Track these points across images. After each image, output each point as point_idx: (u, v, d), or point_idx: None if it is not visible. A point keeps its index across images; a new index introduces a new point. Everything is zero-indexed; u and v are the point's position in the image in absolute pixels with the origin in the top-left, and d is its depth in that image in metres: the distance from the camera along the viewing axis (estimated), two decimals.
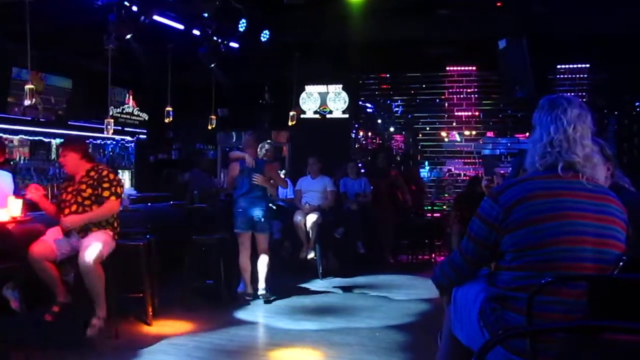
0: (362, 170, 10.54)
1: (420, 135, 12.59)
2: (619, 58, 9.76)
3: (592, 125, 2.55)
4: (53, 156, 10.74)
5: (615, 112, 10.97)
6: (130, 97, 12.55)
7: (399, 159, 12.35)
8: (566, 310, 2.37)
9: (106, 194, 5.43)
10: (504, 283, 2.48)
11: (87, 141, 11.22)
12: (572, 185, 2.44)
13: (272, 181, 7.19)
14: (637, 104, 11.18)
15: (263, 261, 7.01)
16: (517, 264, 2.42)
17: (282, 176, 7.83)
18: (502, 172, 10.58)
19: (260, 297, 6.93)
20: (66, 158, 5.44)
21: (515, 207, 2.41)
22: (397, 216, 9.90)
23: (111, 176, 5.53)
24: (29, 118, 10.15)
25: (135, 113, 12.70)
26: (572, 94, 9.85)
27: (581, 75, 11.26)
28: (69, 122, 10.85)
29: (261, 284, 7.00)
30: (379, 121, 13.15)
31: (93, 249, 5.09)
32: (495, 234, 2.47)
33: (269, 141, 7.76)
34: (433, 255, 10.09)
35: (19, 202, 5.39)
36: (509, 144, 11.87)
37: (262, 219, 6.96)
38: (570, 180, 2.44)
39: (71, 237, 5.33)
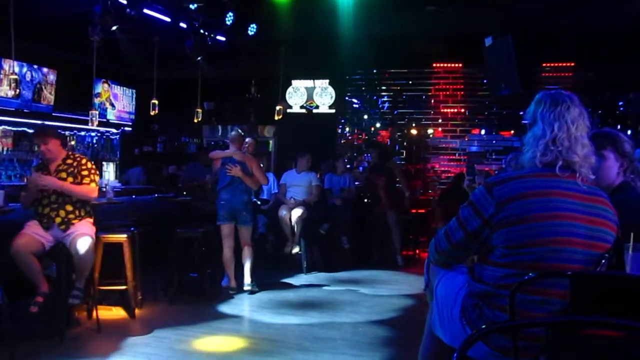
0: (348, 166, 10.51)
1: (416, 131, 12.58)
2: (603, 57, 9.82)
3: (590, 123, 2.54)
4: (36, 147, 10.64)
5: (599, 111, 11.06)
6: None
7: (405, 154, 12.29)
8: (551, 310, 2.38)
9: (86, 180, 5.50)
10: (491, 279, 2.48)
11: (72, 133, 11.23)
12: (566, 186, 2.43)
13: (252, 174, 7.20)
14: (620, 102, 11.27)
15: (247, 255, 7.03)
16: (507, 261, 2.42)
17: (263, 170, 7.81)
18: (486, 169, 10.64)
19: (246, 290, 6.95)
20: (49, 145, 5.41)
21: (509, 203, 2.40)
22: (400, 213, 9.59)
23: (89, 164, 5.60)
24: (13, 109, 10.07)
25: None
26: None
27: (566, 74, 11.33)
28: (54, 114, 10.77)
29: (247, 279, 7.01)
30: (365, 117, 13.16)
31: (85, 240, 5.21)
32: (486, 229, 2.45)
33: (253, 136, 7.74)
34: (417, 251, 10.12)
35: (1, 193, 5.36)
36: (494, 141, 11.92)
37: (244, 212, 6.99)
38: (566, 180, 2.43)
39: (53, 229, 5.32)
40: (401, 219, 9.56)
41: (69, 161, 5.52)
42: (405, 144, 12.59)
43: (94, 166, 5.67)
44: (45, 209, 5.35)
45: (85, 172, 5.50)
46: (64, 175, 5.42)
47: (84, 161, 5.57)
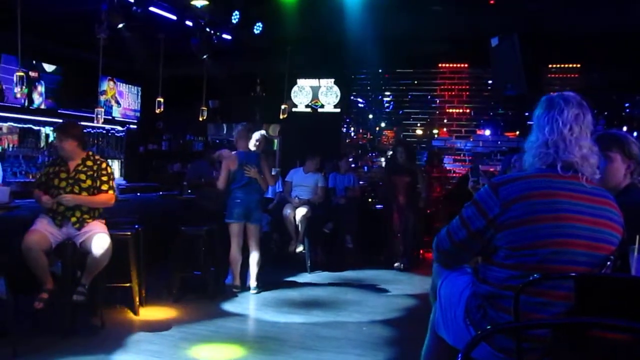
0: (352, 165, 10.49)
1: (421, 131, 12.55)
2: (610, 58, 9.80)
3: (592, 124, 2.52)
4: (42, 144, 10.70)
5: (605, 113, 11.03)
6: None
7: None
8: (555, 312, 2.38)
9: (105, 187, 5.49)
10: (496, 280, 2.47)
11: None
12: (571, 186, 2.42)
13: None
14: (626, 104, 11.24)
15: (254, 257, 7.02)
16: (511, 262, 2.41)
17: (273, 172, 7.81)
18: (491, 169, 10.61)
19: (250, 291, 6.95)
20: (63, 144, 5.40)
21: (513, 204, 2.39)
22: (418, 219, 9.23)
23: (109, 169, 5.60)
24: (19, 105, 10.09)
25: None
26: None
27: (572, 75, 11.30)
28: (59, 111, 10.80)
29: (252, 282, 7.01)
30: (370, 116, 13.16)
31: (104, 239, 5.21)
32: (490, 229, 2.45)
33: (262, 132, 7.61)
34: (421, 252, 10.10)
35: (7, 189, 5.36)
36: (499, 142, 11.89)
37: (257, 210, 7.02)
38: (571, 180, 2.42)
39: (65, 226, 5.31)
40: (417, 221, 9.21)
41: (89, 163, 5.50)
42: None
43: (112, 170, 5.69)
44: (60, 207, 5.33)
45: (104, 178, 5.49)
46: (83, 177, 5.41)
47: (104, 165, 5.56)
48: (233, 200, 7.00)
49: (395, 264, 8.88)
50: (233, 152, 7.15)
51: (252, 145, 7.22)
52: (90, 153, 5.64)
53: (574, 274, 2.30)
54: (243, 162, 7.01)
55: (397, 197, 9.01)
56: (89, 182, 5.41)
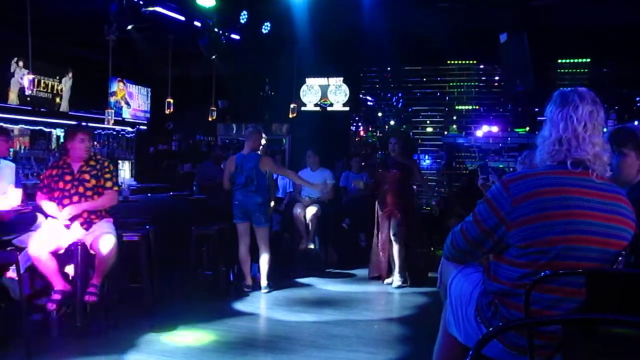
0: (362, 163, 10.50)
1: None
2: (620, 53, 9.75)
3: (604, 121, 2.50)
4: (53, 146, 10.76)
5: (616, 107, 10.98)
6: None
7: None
8: (569, 309, 2.36)
9: (109, 184, 5.51)
10: (508, 279, 2.46)
11: None
12: (583, 183, 2.40)
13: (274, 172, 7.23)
14: (637, 98, 11.18)
15: (264, 257, 7.02)
16: (524, 260, 2.40)
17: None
18: (500, 166, 10.57)
19: (261, 290, 6.96)
20: (89, 144, 5.48)
21: (524, 200, 2.37)
22: (413, 223, 7.77)
23: (111, 167, 5.64)
24: (30, 108, 10.15)
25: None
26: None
27: (582, 70, 11.25)
28: (70, 112, 10.85)
29: (263, 282, 7.01)
30: (380, 114, 13.15)
31: (110, 240, 5.21)
32: (502, 226, 2.43)
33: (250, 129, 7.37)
34: (432, 249, 10.07)
35: (19, 191, 5.40)
36: (508, 139, 11.86)
37: (257, 212, 6.98)
38: (582, 177, 2.40)
39: (73, 228, 5.33)
40: (413, 225, 7.77)
41: (92, 163, 5.51)
42: (420, 141, 12.57)
43: (113, 168, 5.71)
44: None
45: (108, 176, 5.51)
46: (87, 177, 5.43)
47: (106, 163, 5.60)
48: (233, 202, 7.06)
49: (385, 280, 7.61)
50: (234, 155, 7.24)
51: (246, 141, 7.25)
52: (92, 153, 5.66)
53: (584, 270, 2.28)
54: (239, 164, 7.04)
55: (385, 196, 7.62)
56: (93, 181, 5.43)
